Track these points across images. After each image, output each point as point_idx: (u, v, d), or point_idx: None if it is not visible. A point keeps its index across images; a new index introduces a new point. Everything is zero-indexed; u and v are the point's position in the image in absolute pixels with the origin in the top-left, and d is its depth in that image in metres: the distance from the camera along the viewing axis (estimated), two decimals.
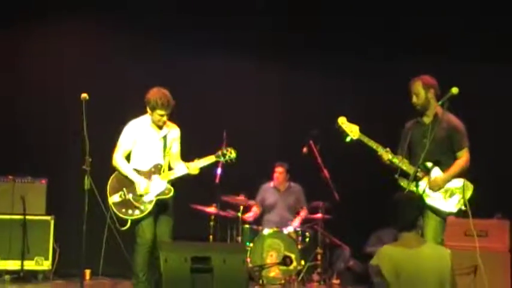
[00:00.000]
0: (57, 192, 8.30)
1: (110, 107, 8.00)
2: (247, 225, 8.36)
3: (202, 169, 6.38)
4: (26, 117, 8.63)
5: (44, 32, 8.92)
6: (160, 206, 6.23)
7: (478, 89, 8.26)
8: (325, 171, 8.11)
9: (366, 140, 5.76)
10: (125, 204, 6.10)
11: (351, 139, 5.77)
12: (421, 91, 5.75)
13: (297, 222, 8.54)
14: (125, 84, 8.64)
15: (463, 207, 5.62)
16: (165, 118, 6.25)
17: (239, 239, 8.18)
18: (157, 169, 6.26)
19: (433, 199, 5.65)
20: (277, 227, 8.24)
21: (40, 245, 8.07)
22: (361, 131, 5.78)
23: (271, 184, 8.85)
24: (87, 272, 8.00)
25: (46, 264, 8.08)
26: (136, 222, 6.11)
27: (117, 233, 6.15)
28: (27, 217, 8.04)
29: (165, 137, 6.34)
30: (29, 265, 7.99)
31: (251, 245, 8.04)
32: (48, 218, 8.16)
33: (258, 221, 8.68)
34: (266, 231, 8.17)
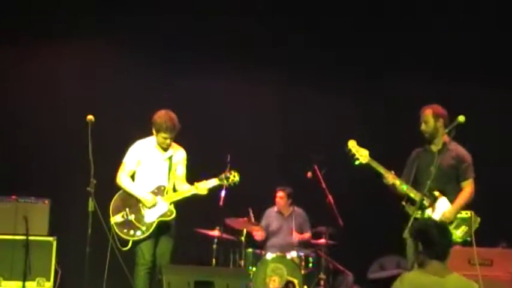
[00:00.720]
0: (60, 213, 8.26)
1: (112, 128, 7.99)
2: (250, 250, 8.32)
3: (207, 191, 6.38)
4: (31, 138, 8.62)
5: (47, 52, 8.93)
6: (162, 228, 6.24)
7: (480, 116, 8.27)
8: (330, 197, 8.09)
9: (374, 165, 5.77)
10: (126, 224, 6.12)
11: (360, 163, 5.77)
12: (430, 120, 5.80)
13: (296, 237, 8.49)
14: (126, 105, 8.64)
15: (469, 239, 5.63)
16: (168, 141, 6.28)
17: (242, 263, 8.14)
18: (160, 191, 6.28)
19: None
20: (280, 252, 8.20)
21: (42, 266, 8.00)
22: (370, 155, 5.78)
23: (275, 209, 8.83)
24: None
25: (48, 286, 8.01)
26: (136, 243, 6.12)
27: (119, 255, 6.14)
28: (30, 238, 7.99)
29: (170, 158, 6.37)
30: (31, 286, 7.91)
31: (254, 269, 8.00)
32: (50, 239, 8.11)
33: (261, 245, 8.64)
34: (269, 255, 8.13)
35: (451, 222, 5.65)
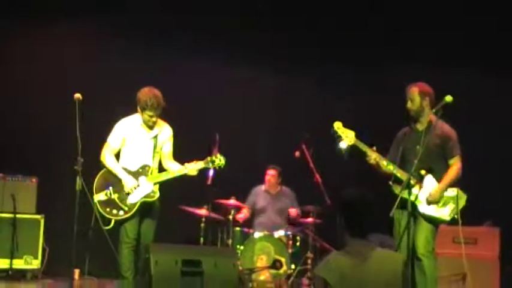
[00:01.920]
0: (48, 192, 8.27)
1: (104, 108, 7.97)
2: (238, 228, 8.35)
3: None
4: (18, 116, 8.61)
5: (37, 32, 8.89)
6: (145, 208, 6.21)
7: (469, 98, 8.30)
8: (317, 176, 8.11)
9: (361, 145, 5.78)
10: (110, 203, 6.10)
11: (347, 146, 5.77)
12: (416, 97, 5.78)
13: (294, 211, 8.56)
14: (119, 85, 8.62)
15: (456, 216, 5.65)
16: (154, 119, 6.23)
17: (229, 241, 8.17)
18: (144, 170, 6.24)
19: (427, 207, 5.67)
20: (267, 231, 8.25)
21: (29, 244, 8.04)
22: (357, 136, 5.79)
23: (263, 187, 8.85)
24: (76, 271, 7.95)
25: (35, 263, 8.05)
26: (120, 223, 6.12)
27: (106, 233, 6.15)
28: (17, 216, 8.00)
29: (155, 137, 6.32)
30: (18, 264, 7.95)
31: (241, 248, 8.04)
32: (38, 217, 8.13)
33: (249, 224, 8.68)
34: (257, 234, 8.17)
35: (438, 201, 5.67)
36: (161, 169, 6.41)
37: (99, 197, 6.12)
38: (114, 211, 6.09)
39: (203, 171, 7.55)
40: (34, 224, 8.11)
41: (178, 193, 8.16)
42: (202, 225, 8.01)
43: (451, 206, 5.67)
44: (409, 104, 5.82)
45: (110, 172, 6.21)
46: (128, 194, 6.15)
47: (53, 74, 8.74)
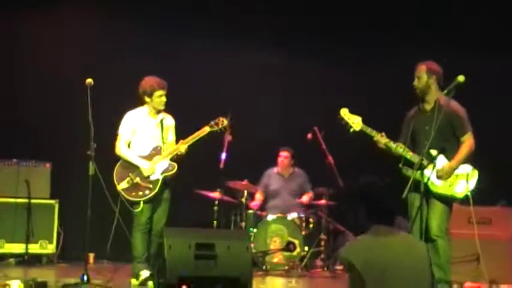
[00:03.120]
0: (62, 177, 8.31)
1: (113, 92, 7.98)
2: (251, 211, 8.37)
3: (197, 151, 6.47)
4: (31, 101, 8.62)
5: (46, 17, 8.88)
6: (164, 188, 6.39)
7: (481, 77, 8.23)
8: (330, 158, 8.10)
9: (368, 130, 5.76)
10: (134, 188, 6.27)
11: (354, 130, 5.77)
12: (423, 75, 5.74)
13: (306, 197, 8.56)
14: (126, 70, 8.60)
15: (469, 194, 5.61)
16: (164, 98, 6.45)
17: (243, 224, 8.19)
18: (157, 150, 6.44)
19: (439, 187, 5.64)
20: (281, 213, 8.26)
21: (44, 228, 8.10)
22: (364, 121, 5.77)
23: (276, 170, 8.84)
24: (91, 255, 8.01)
25: (50, 248, 8.11)
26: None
27: (121, 219, 6.20)
28: (32, 201, 8.06)
29: (161, 123, 6.52)
30: (34, 248, 8.01)
31: (255, 230, 8.06)
32: (52, 201, 8.18)
33: (262, 206, 8.69)
34: (270, 217, 8.18)
35: (449, 177, 5.63)
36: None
37: (122, 185, 6.28)
38: (140, 193, 6.28)
39: (215, 155, 7.61)
40: (49, 209, 8.16)
41: (191, 177, 8.19)
42: (216, 208, 8.04)
43: (463, 183, 5.63)
44: (415, 82, 5.77)
45: (126, 161, 6.38)
46: (148, 176, 6.32)
47: (66, 58, 8.73)
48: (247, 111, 8.74)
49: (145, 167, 6.33)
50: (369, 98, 8.58)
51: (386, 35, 9.05)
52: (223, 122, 6.61)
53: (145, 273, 6.14)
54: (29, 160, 8.27)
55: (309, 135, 8.13)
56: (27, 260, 7.88)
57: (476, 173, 5.67)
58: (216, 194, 8.01)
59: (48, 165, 8.31)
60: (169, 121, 6.60)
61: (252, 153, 8.57)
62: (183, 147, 6.41)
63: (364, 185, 3.66)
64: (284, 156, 8.77)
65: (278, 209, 8.44)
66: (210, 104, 8.78)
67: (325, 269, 8.08)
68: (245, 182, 8.30)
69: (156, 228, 6.33)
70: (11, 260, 7.92)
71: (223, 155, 7.66)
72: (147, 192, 6.30)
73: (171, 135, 6.61)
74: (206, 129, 6.53)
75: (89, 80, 5.98)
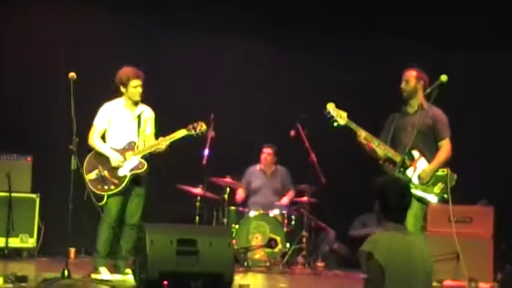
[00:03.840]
0: (43, 171, 8.25)
1: (96, 86, 7.93)
2: (233, 207, 8.37)
3: (179, 148, 6.44)
4: (13, 94, 8.54)
5: (26, 10, 8.79)
6: (134, 182, 6.35)
7: (463, 77, 8.29)
8: (313, 155, 8.13)
9: (353, 126, 5.84)
10: (101, 180, 6.25)
11: (338, 125, 5.84)
12: (412, 79, 5.93)
13: (286, 199, 8.57)
14: (109, 62, 8.55)
15: (446, 196, 5.74)
16: (140, 89, 6.38)
17: (225, 220, 8.20)
18: (130, 146, 6.39)
19: (417, 187, 5.75)
20: (262, 210, 8.27)
21: (25, 222, 8.03)
22: (349, 117, 5.84)
23: (258, 167, 8.85)
24: (72, 250, 7.97)
25: (31, 242, 8.05)
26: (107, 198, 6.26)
27: (101, 211, 6.21)
28: (13, 194, 7.99)
29: (139, 117, 6.46)
30: (14, 242, 7.95)
31: (237, 227, 8.06)
32: (33, 195, 8.12)
33: (244, 203, 8.69)
34: (252, 213, 8.20)
35: (428, 181, 5.75)
36: None
37: (90, 176, 6.26)
38: (106, 187, 6.25)
39: (198, 151, 7.59)
40: (29, 203, 8.09)
41: (174, 172, 8.19)
42: (198, 204, 8.05)
43: (440, 186, 5.78)
44: (403, 85, 5.96)
45: (98, 153, 6.37)
46: (117, 168, 6.29)
47: (48, 52, 8.66)
48: (231, 107, 8.75)
49: (114, 157, 6.29)
50: (354, 96, 8.60)
51: (373, 31, 9.07)
52: (202, 126, 6.49)
53: (105, 275, 6.14)
54: (10, 153, 8.19)
55: (292, 133, 8.15)
56: (7, 254, 7.81)
57: (454, 176, 5.80)
58: (198, 190, 8.01)
59: (29, 158, 8.24)
60: (148, 113, 6.54)
61: (235, 149, 8.58)
62: (163, 143, 6.36)
63: (383, 182, 3.88)
64: (267, 152, 8.78)
65: (260, 206, 8.45)
66: (193, 98, 8.80)
67: (307, 265, 8.10)
68: (228, 178, 8.29)
69: (131, 221, 6.32)
70: None
71: (206, 151, 7.64)
72: (112, 187, 6.26)
73: (149, 128, 6.55)
74: (183, 132, 6.44)
75: (72, 74, 5.93)
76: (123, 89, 6.41)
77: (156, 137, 6.55)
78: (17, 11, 8.76)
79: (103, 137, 6.48)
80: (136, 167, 6.34)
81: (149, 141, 6.52)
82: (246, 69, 9.27)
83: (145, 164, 6.36)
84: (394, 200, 3.78)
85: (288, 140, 8.14)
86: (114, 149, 6.38)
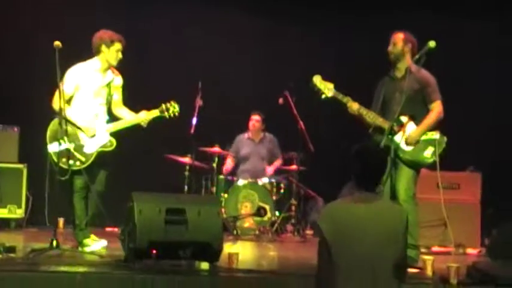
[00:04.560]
0: (30, 141, 8.18)
1: (82, 56, 7.85)
2: (221, 176, 8.38)
3: (165, 120, 6.31)
4: None
5: None
6: (100, 159, 6.13)
7: (457, 44, 8.28)
8: (301, 123, 8.12)
9: (340, 96, 5.82)
10: (65, 154, 5.85)
11: (326, 97, 5.80)
12: (399, 42, 5.84)
13: (271, 169, 8.57)
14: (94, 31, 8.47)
15: (437, 159, 5.70)
16: (121, 55, 6.13)
17: (213, 189, 8.20)
18: (99, 120, 6.15)
19: (407, 152, 5.72)
20: (252, 178, 8.27)
21: (13, 193, 8.00)
22: (336, 88, 5.79)
23: (246, 135, 8.83)
24: (61, 220, 7.94)
25: (19, 212, 8.03)
26: (74, 173, 5.98)
27: (89, 182, 6.11)
28: (0, 165, 7.95)
29: (109, 85, 6.21)
30: (2, 213, 7.93)
31: (226, 196, 8.07)
32: (20, 166, 8.08)
33: (233, 172, 8.69)
34: (241, 182, 8.20)
35: (417, 143, 5.71)
36: (112, 116, 6.28)
37: (53, 147, 5.94)
38: (71, 162, 5.90)
39: (186, 120, 7.56)
40: (17, 173, 8.05)
41: (162, 141, 8.17)
42: (186, 173, 8.04)
43: (431, 149, 5.72)
44: (390, 47, 5.88)
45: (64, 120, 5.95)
46: (86, 140, 6.05)
47: (33, 21, 8.55)
48: (218, 76, 8.71)
49: (89, 129, 6.02)
50: (341, 65, 8.58)
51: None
52: (175, 108, 6.26)
53: (98, 243, 6.09)
54: None
55: (280, 100, 8.12)
56: None
57: (444, 139, 5.76)
58: (186, 159, 7.99)
59: (16, 129, 8.19)
60: (118, 81, 6.28)
61: (223, 118, 8.54)
62: (145, 120, 6.17)
63: (361, 148, 3.68)
64: (255, 120, 8.75)
65: (248, 174, 8.45)
66: (180, 67, 8.75)
67: (296, 233, 8.13)
68: (216, 147, 8.28)
69: (98, 189, 6.13)
70: None
71: (194, 120, 7.62)
72: (77, 163, 5.99)
73: (118, 94, 6.29)
74: (155, 112, 6.23)
75: (57, 43, 5.82)
76: (104, 49, 6.09)
77: (129, 105, 6.35)
78: None
79: (69, 101, 6.10)
80: (105, 145, 6.11)
81: (117, 107, 6.29)
82: (234, 37, 9.19)
83: (114, 142, 6.13)
84: (363, 167, 3.60)
85: (276, 108, 8.12)
86: (81, 119, 6.07)
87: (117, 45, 6.11)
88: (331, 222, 3.49)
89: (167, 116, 6.29)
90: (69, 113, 6.02)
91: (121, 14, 8.67)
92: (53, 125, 6.04)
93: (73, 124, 6.00)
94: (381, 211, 3.54)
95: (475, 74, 8.81)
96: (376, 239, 3.44)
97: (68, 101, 6.08)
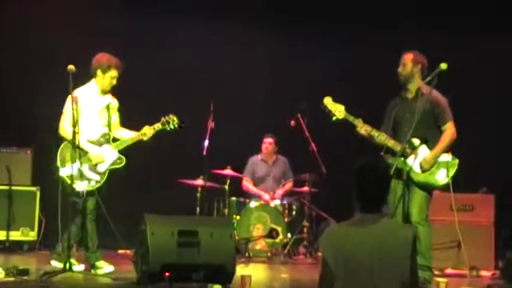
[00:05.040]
0: (43, 163, 8.20)
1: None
2: (233, 198, 8.36)
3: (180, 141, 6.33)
4: (12, 87, 8.51)
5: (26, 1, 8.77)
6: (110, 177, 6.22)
7: (466, 63, 8.26)
8: (313, 145, 8.12)
9: (351, 119, 5.80)
10: (79, 175, 5.97)
11: (337, 119, 5.79)
12: (408, 63, 5.83)
13: (280, 192, 8.55)
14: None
15: (449, 181, 5.67)
16: (115, 81, 6.21)
17: (226, 211, 8.19)
18: (105, 139, 6.23)
19: (420, 175, 5.69)
20: (264, 200, 8.27)
21: (26, 215, 8.02)
22: (347, 110, 5.80)
23: (259, 157, 8.83)
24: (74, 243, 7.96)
25: (32, 235, 8.04)
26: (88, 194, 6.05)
27: (103, 207, 6.14)
28: (13, 187, 7.98)
29: (108, 106, 6.29)
30: (15, 235, 7.94)
31: (238, 217, 8.06)
32: (34, 188, 8.11)
33: (245, 193, 8.68)
34: (253, 204, 8.19)
35: (431, 167, 5.69)
36: (113, 138, 6.36)
37: (66, 170, 6.01)
38: (85, 182, 6.02)
39: (198, 142, 7.58)
40: (30, 195, 8.08)
41: (174, 163, 8.18)
42: (198, 195, 8.04)
43: (443, 171, 5.69)
44: (400, 69, 5.87)
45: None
46: (97, 164, 6.11)
47: (49, 42, 8.60)
48: (230, 96, 8.72)
49: (95, 152, 6.10)
50: (354, 85, 8.58)
51: (374, 15, 9.03)
52: (175, 120, 6.32)
53: (108, 267, 6.10)
54: (9, 146, 8.18)
55: (292, 122, 8.14)
56: (8, 247, 7.81)
57: (456, 161, 5.73)
58: (199, 181, 7.99)
59: (29, 151, 8.22)
60: (115, 103, 6.37)
61: (235, 140, 8.55)
62: (149, 133, 6.22)
63: (359, 166, 3.44)
64: (268, 142, 8.76)
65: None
66: (192, 88, 8.78)
67: (308, 255, 8.10)
68: (228, 169, 8.28)
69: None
70: None
71: (206, 142, 7.64)
72: (92, 183, 6.07)
73: (115, 116, 6.38)
74: (158, 126, 6.29)
75: (71, 67, 5.90)
76: (99, 74, 6.18)
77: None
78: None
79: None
80: (115, 162, 6.19)
81: (115, 129, 6.35)
82: (245, 58, 9.21)
83: (124, 158, 6.21)
84: (360, 186, 3.38)
85: (287, 130, 8.12)
86: (89, 141, 6.17)
87: (113, 72, 6.17)
88: (330, 248, 3.37)
89: (169, 129, 6.34)
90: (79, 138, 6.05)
91: (137, 38, 8.74)
92: (63, 148, 6.12)
93: (82, 150, 6.06)
94: (382, 234, 3.31)
95: (489, 94, 8.78)
96: (377, 263, 3.26)
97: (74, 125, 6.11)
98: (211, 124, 7.72)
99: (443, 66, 5.37)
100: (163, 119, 6.32)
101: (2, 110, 8.40)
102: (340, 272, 3.31)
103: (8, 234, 7.86)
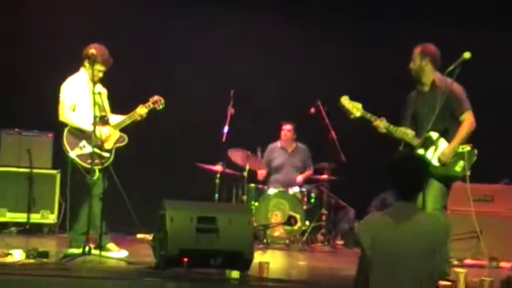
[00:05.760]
0: None
1: (115, 63, 7.92)
2: (252, 185, 8.37)
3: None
4: (34, 70, 8.55)
5: None
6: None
7: (485, 53, 8.16)
8: (333, 133, 8.09)
9: (368, 116, 5.77)
10: (88, 155, 6.05)
11: (355, 117, 5.76)
12: (416, 57, 5.74)
13: (300, 178, 8.54)
14: (128, 39, 8.51)
15: (468, 173, 5.61)
16: (101, 75, 6.24)
17: (244, 198, 8.20)
18: (104, 120, 6.27)
19: (438, 167, 5.64)
20: (283, 187, 8.26)
21: (46, 198, 8.10)
22: (364, 107, 5.76)
23: (279, 144, 8.82)
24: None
25: (51, 218, 8.12)
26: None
27: (122, 189, 6.19)
28: (34, 171, 8.05)
29: (99, 93, 6.29)
30: (35, 218, 8.03)
31: (256, 204, 8.07)
32: (54, 172, 8.17)
33: (264, 180, 8.68)
34: (271, 191, 8.19)
35: (449, 160, 5.63)
36: None
37: (76, 152, 6.10)
38: (97, 161, 6.07)
39: (217, 128, 7.58)
40: (50, 179, 8.15)
41: (193, 149, 8.20)
42: (217, 181, 8.05)
43: (461, 163, 5.63)
44: (411, 64, 5.78)
45: (75, 128, 6.17)
46: (103, 143, 6.17)
47: (70, 26, 8.62)
48: (250, 83, 8.70)
49: (104, 131, 6.17)
50: (373, 78, 8.52)
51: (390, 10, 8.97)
52: (161, 100, 6.40)
53: (123, 252, 6.14)
54: (31, 130, 8.24)
55: (312, 110, 8.11)
56: (29, 230, 7.89)
57: (475, 151, 5.66)
58: (218, 167, 8.01)
59: (50, 135, 8.27)
60: (104, 91, 6.41)
61: (254, 127, 8.54)
62: (143, 112, 6.30)
63: (399, 156, 3.71)
64: (287, 129, 8.74)
65: (280, 184, 8.44)
66: (213, 76, 8.78)
67: (326, 243, 8.11)
68: (248, 153, 8.25)
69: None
70: (13, 229, 7.92)
71: (226, 128, 7.64)
72: (103, 160, 6.16)
73: (106, 103, 6.44)
74: (149, 105, 6.35)
75: (92, 51, 5.93)
76: (87, 64, 6.21)
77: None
78: None
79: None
80: (118, 140, 6.29)
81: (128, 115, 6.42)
82: (267, 46, 9.19)
83: (126, 137, 6.31)
84: (402, 177, 3.54)
85: (307, 117, 8.10)
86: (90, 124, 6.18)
87: (99, 67, 6.17)
88: (369, 235, 3.48)
89: (158, 108, 6.40)
90: (77, 119, 6.18)
91: (159, 25, 8.73)
92: (66, 134, 6.19)
93: (83, 130, 6.14)
94: (421, 223, 3.49)
95: (509, 81, 8.69)
96: (415, 251, 3.41)
97: (73, 110, 6.25)
98: (231, 110, 7.72)
99: (467, 55, 5.26)
100: (151, 99, 6.38)
101: (24, 94, 8.45)
102: (376, 260, 3.43)
103: (28, 216, 7.94)
